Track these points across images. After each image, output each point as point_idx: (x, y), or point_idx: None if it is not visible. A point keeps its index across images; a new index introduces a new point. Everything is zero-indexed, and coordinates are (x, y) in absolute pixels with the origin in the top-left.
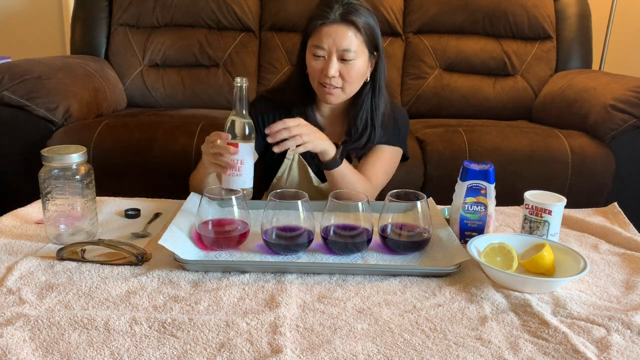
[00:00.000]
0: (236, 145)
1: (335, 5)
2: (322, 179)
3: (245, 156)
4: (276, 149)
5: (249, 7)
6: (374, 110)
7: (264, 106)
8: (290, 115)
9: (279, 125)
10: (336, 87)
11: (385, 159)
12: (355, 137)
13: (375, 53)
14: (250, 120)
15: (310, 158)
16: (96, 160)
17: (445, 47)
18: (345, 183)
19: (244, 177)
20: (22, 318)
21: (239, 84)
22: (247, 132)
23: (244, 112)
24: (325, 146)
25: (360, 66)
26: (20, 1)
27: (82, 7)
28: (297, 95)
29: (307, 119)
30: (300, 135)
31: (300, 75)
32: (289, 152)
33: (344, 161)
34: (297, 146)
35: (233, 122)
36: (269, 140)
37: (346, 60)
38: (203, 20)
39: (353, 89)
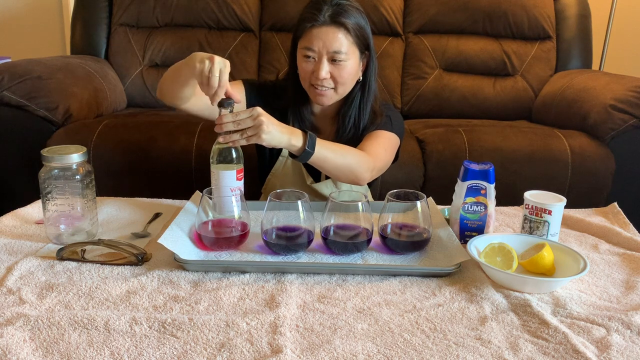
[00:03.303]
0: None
1: (324, 6)
2: (316, 178)
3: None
4: (221, 139)
5: (249, 7)
6: (362, 110)
7: (269, 96)
8: (285, 113)
9: (228, 118)
10: (328, 89)
11: (383, 139)
12: (343, 136)
13: (366, 52)
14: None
15: None
16: (96, 160)
17: (445, 47)
18: (332, 166)
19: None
20: (22, 318)
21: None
22: (234, 157)
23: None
24: (284, 142)
25: (351, 67)
26: (20, 1)
27: (82, 7)
28: (292, 94)
29: (301, 118)
30: (253, 128)
31: (294, 76)
32: (283, 150)
33: (325, 143)
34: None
35: (220, 150)
36: (216, 129)
37: (337, 62)
38: (203, 20)
39: (345, 89)
